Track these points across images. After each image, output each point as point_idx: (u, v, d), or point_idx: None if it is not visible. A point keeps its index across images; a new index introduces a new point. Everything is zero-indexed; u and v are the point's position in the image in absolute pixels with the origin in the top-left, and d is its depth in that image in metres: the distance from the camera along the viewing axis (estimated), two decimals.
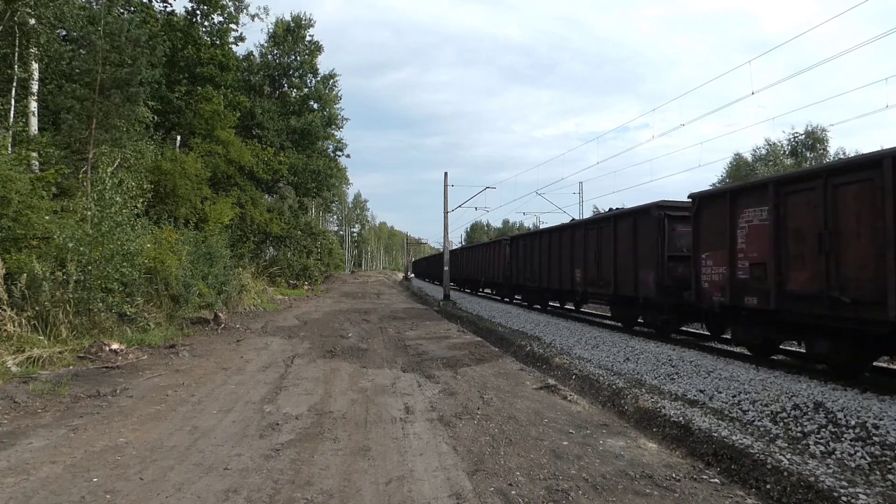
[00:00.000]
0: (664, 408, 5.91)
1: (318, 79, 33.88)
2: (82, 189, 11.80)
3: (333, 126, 34.94)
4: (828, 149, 38.53)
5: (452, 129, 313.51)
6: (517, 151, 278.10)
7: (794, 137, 38.91)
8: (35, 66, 12.30)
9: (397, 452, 4.38)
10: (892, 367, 8.06)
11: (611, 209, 14.32)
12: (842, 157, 34.19)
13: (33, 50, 11.95)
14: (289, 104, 32.44)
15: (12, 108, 11.60)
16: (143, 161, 14.89)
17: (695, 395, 6.40)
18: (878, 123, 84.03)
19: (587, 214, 33.85)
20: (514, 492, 3.64)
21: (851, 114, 79.64)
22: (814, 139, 38.54)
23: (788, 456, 4.38)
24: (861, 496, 3.61)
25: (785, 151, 39.63)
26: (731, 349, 9.15)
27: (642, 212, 10.76)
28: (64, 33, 14.40)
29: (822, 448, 4.54)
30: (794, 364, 8.06)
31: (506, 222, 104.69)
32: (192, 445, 4.45)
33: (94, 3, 14.97)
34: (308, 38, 32.96)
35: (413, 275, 65.24)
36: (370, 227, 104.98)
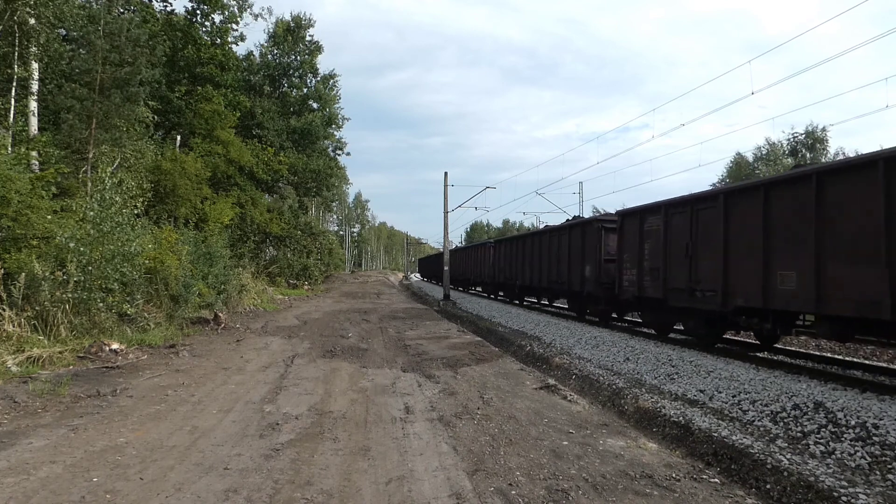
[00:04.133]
0: (664, 408, 5.92)
1: (318, 79, 33.89)
2: (83, 189, 11.80)
3: (333, 126, 34.95)
4: (828, 149, 38.54)
5: (454, 129, 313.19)
6: (518, 151, 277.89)
7: (794, 137, 38.91)
8: (35, 65, 12.28)
9: (397, 452, 4.38)
10: (892, 366, 8.07)
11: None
12: (841, 157, 34.20)
13: (33, 49, 11.92)
14: (289, 104, 32.43)
15: (12, 108, 11.59)
16: (143, 161, 14.87)
17: (695, 395, 6.40)
18: (879, 123, 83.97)
19: (587, 214, 33.89)
20: (514, 492, 3.64)
21: (851, 114, 79.65)
22: (813, 139, 38.53)
23: (788, 456, 4.38)
24: (861, 496, 3.61)
25: (785, 151, 39.63)
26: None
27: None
28: (64, 33, 14.39)
29: (822, 448, 4.54)
30: (794, 364, 8.08)
31: (506, 222, 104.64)
32: (192, 445, 4.45)
33: (93, 3, 14.96)
34: (308, 38, 32.98)
35: (419, 273, 65.16)
36: (370, 227, 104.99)
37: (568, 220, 16.99)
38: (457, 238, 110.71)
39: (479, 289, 29.31)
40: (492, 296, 24.99)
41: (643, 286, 10.57)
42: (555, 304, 18.95)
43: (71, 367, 7.26)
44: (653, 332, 11.14)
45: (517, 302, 20.58)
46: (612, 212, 14.77)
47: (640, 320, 12.69)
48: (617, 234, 11.75)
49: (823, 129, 38.23)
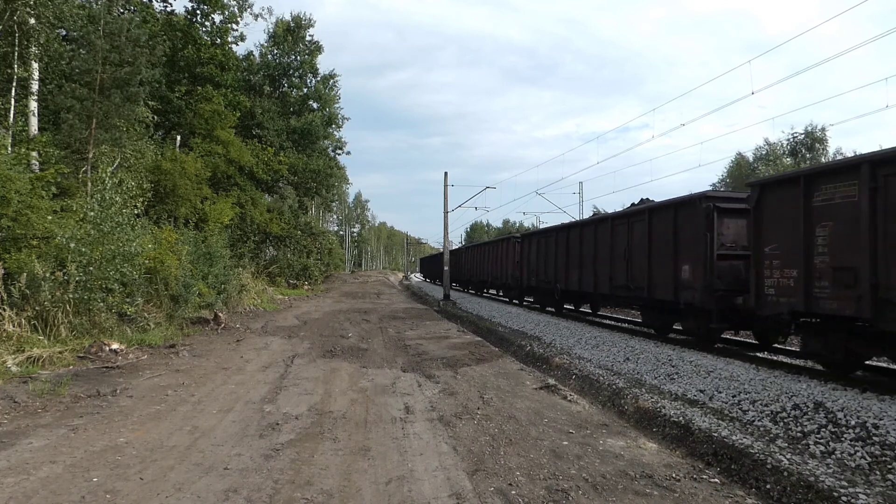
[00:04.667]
0: (664, 408, 5.92)
1: (318, 79, 33.92)
2: (83, 189, 11.80)
3: (334, 125, 34.97)
4: (827, 149, 38.57)
5: (454, 129, 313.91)
6: (518, 152, 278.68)
7: (794, 137, 38.95)
8: (35, 65, 12.29)
9: (397, 452, 4.38)
10: (892, 366, 8.05)
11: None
12: (840, 157, 34.18)
13: (33, 49, 11.93)
14: (289, 104, 32.44)
15: (12, 108, 11.59)
16: (143, 161, 14.87)
17: (695, 395, 6.40)
18: (879, 123, 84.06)
19: (587, 214, 33.77)
20: (514, 492, 3.64)
21: (851, 114, 79.71)
22: (812, 139, 38.55)
23: (788, 456, 4.38)
24: (861, 496, 3.61)
25: (784, 151, 39.68)
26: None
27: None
28: (64, 33, 14.40)
29: (822, 448, 4.54)
30: (792, 364, 8.06)
31: (506, 222, 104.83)
32: (192, 445, 4.45)
33: (93, 3, 14.97)
34: (308, 38, 33.00)
35: (420, 274, 64.69)
36: (370, 227, 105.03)
37: (635, 203, 12.57)
38: (457, 238, 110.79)
39: (495, 292, 25.98)
40: (514, 301, 21.27)
41: (813, 296, 6.72)
42: (599, 313, 15.91)
43: (71, 367, 7.26)
44: (820, 367, 7.52)
45: (551, 310, 16.94)
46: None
47: (753, 341, 9.73)
48: (751, 215, 7.84)
49: (822, 130, 38.24)
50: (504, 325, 14.15)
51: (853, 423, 4.80)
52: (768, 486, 4.10)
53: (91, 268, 8.78)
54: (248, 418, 5.27)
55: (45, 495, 3.45)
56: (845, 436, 4.64)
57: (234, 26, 26.41)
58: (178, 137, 21.24)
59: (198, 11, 24.78)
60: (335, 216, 79.68)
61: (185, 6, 24.77)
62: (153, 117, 15.78)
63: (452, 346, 10.17)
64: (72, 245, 8.61)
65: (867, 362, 7.38)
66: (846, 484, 3.81)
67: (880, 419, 4.78)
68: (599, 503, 3.52)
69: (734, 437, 4.84)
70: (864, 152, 6.75)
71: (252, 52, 33.05)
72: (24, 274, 8.10)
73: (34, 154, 11.46)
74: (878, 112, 69.41)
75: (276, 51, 32.42)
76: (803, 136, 38.68)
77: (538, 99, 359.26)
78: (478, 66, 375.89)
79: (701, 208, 9.00)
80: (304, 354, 9.05)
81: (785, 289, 7.18)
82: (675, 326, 10.89)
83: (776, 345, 9.42)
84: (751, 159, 41.52)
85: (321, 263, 33.72)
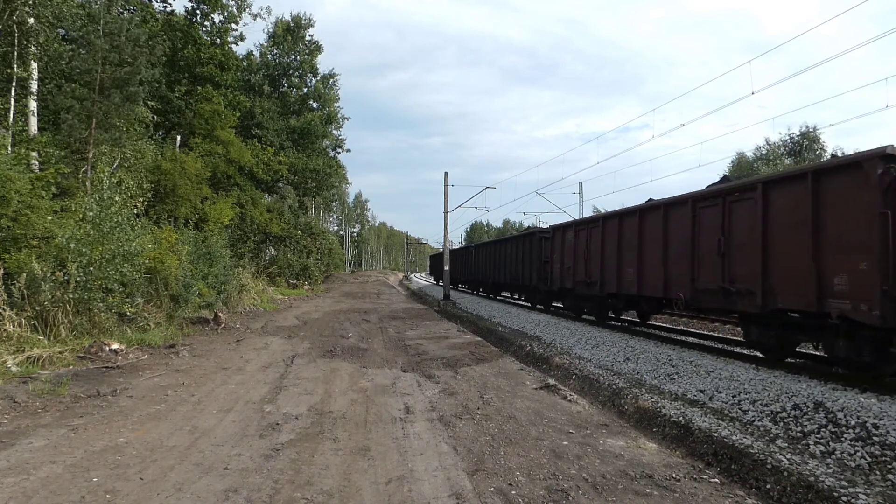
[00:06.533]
0: (664, 408, 5.92)
1: (318, 78, 33.90)
2: (82, 189, 11.80)
3: (333, 125, 34.94)
4: (825, 148, 38.60)
5: (454, 129, 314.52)
6: (518, 151, 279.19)
7: (791, 139, 38.99)
8: (34, 65, 12.28)
9: (397, 452, 4.38)
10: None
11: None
12: (839, 155, 34.13)
13: (33, 49, 11.92)
14: (288, 104, 32.43)
15: (12, 108, 11.58)
16: (143, 161, 14.87)
17: (695, 395, 6.40)
18: (879, 123, 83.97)
19: (587, 214, 33.80)
20: (514, 492, 3.64)
21: (851, 114, 79.71)
22: (808, 139, 38.58)
23: (788, 456, 4.38)
24: (861, 496, 3.61)
25: (784, 151, 39.73)
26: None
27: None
28: (63, 33, 14.40)
29: (822, 448, 4.54)
30: (793, 364, 8.06)
31: (506, 222, 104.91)
32: (192, 445, 4.45)
33: (93, 3, 14.96)
34: (308, 38, 32.99)
35: (429, 274, 63.88)
36: (370, 227, 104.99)
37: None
38: (457, 238, 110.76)
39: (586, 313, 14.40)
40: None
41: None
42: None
43: (71, 367, 7.25)
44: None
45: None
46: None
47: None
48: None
49: (815, 129, 38.28)
50: (504, 325, 14.15)
51: (853, 423, 4.80)
52: (768, 486, 4.10)
53: (91, 268, 8.77)
54: (248, 418, 5.26)
55: (45, 495, 3.45)
56: (845, 436, 4.64)
57: (234, 26, 26.42)
58: (178, 137, 21.23)
59: (197, 11, 24.78)
60: (335, 216, 79.63)
61: (184, 6, 24.79)
62: (153, 117, 15.78)
63: (452, 346, 10.17)
64: (72, 245, 8.60)
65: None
66: (846, 484, 3.81)
67: (880, 419, 4.78)
68: (599, 503, 3.52)
69: (734, 437, 4.84)
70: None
71: (252, 52, 33.08)
72: (24, 274, 8.09)
73: (34, 154, 11.45)
74: (878, 112, 69.40)
75: (275, 51, 32.40)
76: (799, 136, 38.72)
77: (538, 99, 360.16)
78: (478, 66, 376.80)
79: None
80: (304, 354, 9.04)
81: None
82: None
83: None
84: (751, 159, 41.58)
85: (321, 263, 33.68)
